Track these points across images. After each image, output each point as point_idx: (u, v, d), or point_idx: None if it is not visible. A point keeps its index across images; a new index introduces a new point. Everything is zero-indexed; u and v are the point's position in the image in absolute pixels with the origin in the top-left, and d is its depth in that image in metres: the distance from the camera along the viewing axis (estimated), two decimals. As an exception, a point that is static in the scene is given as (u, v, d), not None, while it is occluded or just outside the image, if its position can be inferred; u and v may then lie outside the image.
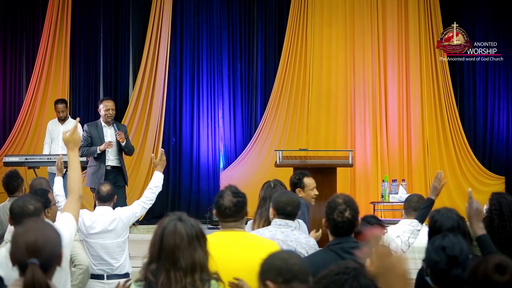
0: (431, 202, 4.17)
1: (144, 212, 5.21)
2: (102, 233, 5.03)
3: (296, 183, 5.19)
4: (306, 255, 3.70)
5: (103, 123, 7.70)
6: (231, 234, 3.31)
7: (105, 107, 7.65)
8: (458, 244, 2.72)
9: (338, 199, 3.38)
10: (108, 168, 7.69)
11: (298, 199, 3.92)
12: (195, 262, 2.57)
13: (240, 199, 3.35)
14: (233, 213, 3.33)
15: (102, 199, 5.16)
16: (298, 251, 3.70)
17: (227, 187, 3.42)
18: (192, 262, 2.56)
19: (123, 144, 7.62)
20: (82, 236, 5.07)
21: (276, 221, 3.84)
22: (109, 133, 7.72)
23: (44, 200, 3.98)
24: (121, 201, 7.61)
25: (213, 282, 2.62)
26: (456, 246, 2.70)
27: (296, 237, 3.80)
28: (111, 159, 7.71)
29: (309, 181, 5.20)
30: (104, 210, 5.14)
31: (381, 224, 3.95)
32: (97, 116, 9.83)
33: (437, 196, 4.19)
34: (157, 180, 5.16)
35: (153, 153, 5.13)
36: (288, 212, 3.82)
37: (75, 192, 3.35)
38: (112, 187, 5.26)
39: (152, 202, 5.17)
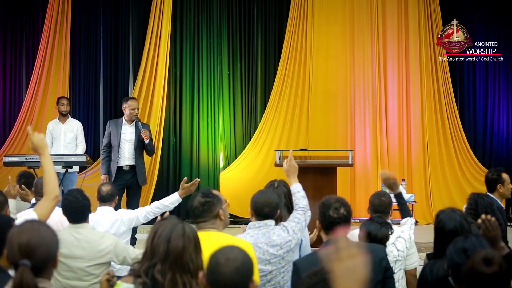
0: (401, 195, 4.37)
1: (145, 221, 5.19)
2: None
3: (496, 179, 5.29)
4: (279, 252, 3.72)
5: (124, 121, 7.76)
6: (201, 235, 3.29)
7: (130, 106, 7.75)
8: (480, 246, 2.72)
9: (331, 198, 3.43)
10: (126, 168, 7.71)
11: (276, 200, 3.85)
12: (199, 266, 2.57)
13: (208, 199, 3.40)
14: (201, 213, 3.37)
15: (103, 199, 5.14)
16: (271, 252, 3.71)
17: (201, 190, 3.49)
18: (197, 266, 2.56)
19: (146, 141, 7.65)
20: None
21: (255, 224, 3.79)
22: (129, 131, 7.77)
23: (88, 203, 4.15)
24: (136, 201, 7.64)
25: None
26: (478, 248, 2.71)
27: (277, 235, 3.76)
28: (127, 158, 7.71)
29: (506, 176, 5.33)
30: (105, 210, 5.12)
31: (388, 223, 3.97)
32: (97, 115, 9.91)
33: (398, 187, 4.39)
34: (172, 202, 5.15)
35: (186, 177, 5.17)
36: (265, 214, 3.77)
37: (50, 194, 3.40)
38: (113, 187, 5.24)
39: (155, 216, 5.16)
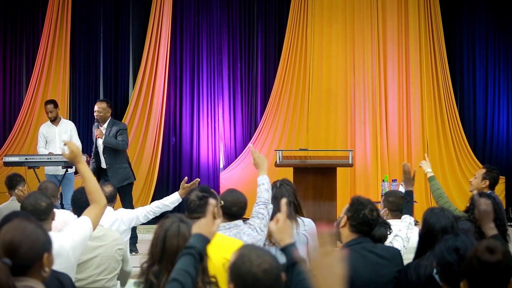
0: (411, 193, 4.31)
1: (145, 220, 5.19)
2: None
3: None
4: None
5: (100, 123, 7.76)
6: None
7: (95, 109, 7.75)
8: (471, 245, 2.72)
9: (363, 199, 3.43)
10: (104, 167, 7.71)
11: (244, 200, 3.79)
12: None
13: (206, 194, 3.35)
14: (196, 207, 3.31)
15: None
16: None
17: (199, 186, 3.47)
18: None
19: (101, 140, 7.60)
20: None
21: (225, 225, 3.69)
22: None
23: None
24: (126, 201, 7.60)
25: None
26: (469, 247, 2.70)
27: (247, 235, 3.71)
28: (103, 160, 7.69)
29: None
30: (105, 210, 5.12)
31: (387, 223, 3.97)
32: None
33: (413, 185, 4.35)
34: (172, 202, 5.14)
35: (186, 177, 5.21)
36: (233, 213, 3.71)
37: (98, 202, 3.39)
38: (114, 188, 5.27)
39: (156, 215, 5.16)
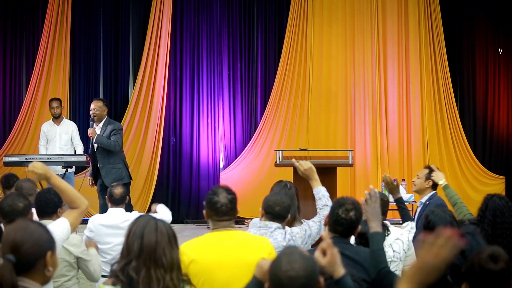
0: (401, 199, 4.43)
1: None
2: (113, 228, 5.00)
3: None
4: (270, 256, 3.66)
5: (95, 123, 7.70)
6: (225, 234, 3.26)
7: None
8: (477, 245, 2.73)
9: (347, 199, 3.37)
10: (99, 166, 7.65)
11: (288, 202, 3.81)
12: (174, 261, 2.61)
13: (234, 196, 3.33)
14: (229, 210, 3.28)
15: (115, 202, 5.13)
16: None
17: (218, 185, 3.41)
18: (171, 260, 2.60)
19: (93, 139, 7.53)
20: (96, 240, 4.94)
21: (256, 223, 3.75)
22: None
23: (57, 199, 3.99)
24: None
25: (186, 287, 2.65)
26: (475, 248, 2.72)
27: (273, 239, 3.68)
28: (97, 159, 7.61)
29: None
30: (116, 211, 5.12)
31: (385, 225, 3.96)
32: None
33: (399, 191, 4.49)
34: (163, 213, 5.25)
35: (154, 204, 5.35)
36: (276, 213, 3.72)
37: (81, 206, 3.26)
38: (125, 189, 5.26)
39: None
